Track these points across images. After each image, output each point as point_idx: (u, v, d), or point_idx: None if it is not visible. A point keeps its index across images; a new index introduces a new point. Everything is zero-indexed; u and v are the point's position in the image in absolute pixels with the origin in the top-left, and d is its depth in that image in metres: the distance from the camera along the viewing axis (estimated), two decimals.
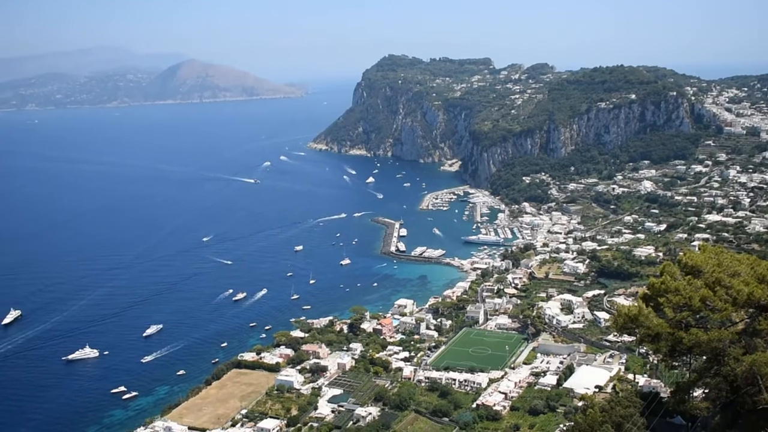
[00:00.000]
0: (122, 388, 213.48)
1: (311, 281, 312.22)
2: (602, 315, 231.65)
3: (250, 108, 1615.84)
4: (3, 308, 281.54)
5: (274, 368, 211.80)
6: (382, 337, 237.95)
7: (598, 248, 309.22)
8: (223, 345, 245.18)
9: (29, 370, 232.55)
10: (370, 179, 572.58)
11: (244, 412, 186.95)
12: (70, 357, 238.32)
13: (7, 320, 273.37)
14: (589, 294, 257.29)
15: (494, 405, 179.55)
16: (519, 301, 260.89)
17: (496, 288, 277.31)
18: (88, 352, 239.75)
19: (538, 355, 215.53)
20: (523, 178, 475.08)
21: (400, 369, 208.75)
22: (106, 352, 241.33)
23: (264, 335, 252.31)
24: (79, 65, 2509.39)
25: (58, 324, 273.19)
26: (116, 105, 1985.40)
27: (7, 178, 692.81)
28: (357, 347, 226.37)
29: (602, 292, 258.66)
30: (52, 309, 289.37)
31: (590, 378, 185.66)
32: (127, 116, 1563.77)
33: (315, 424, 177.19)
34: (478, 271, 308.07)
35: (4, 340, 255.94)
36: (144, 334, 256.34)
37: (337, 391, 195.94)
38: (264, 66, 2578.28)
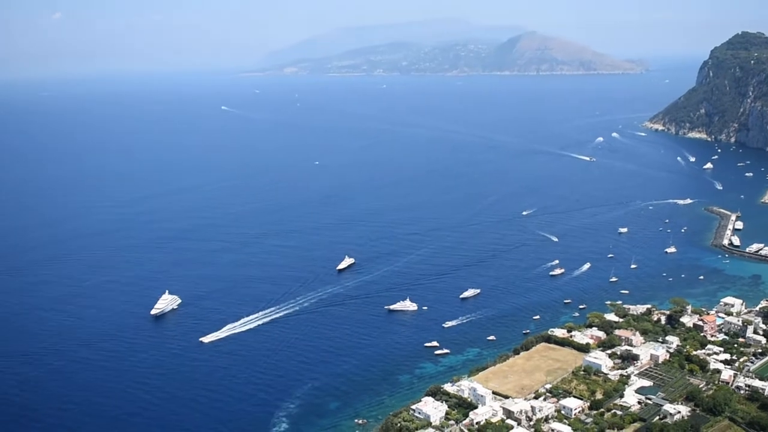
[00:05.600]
0: (435, 343, 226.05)
1: (633, 265, 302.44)
2: None
3: (587, 83, 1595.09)
4: (339, 255, 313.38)
5: (584, 348, 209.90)
6: (702, 334, 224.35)
7: None
8: (535, 317, 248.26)
9: (355, 313, 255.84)
10: (708, 165, 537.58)
11: (548, 386, 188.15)
12: (391, 307, 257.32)
13: (341, 266, 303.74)
14: None
15: None
16: None
17: None
18: (408, 305, 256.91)
19: None
20: None
21: (718, 371, 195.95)
22: (424, 307, 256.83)
23: (577, 314, 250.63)
24: (424, 35, 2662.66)
25: (384, 275, 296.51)
26: (456, 74, 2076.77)
27: (360, 137, 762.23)
28: (673, 341, 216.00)
29: None
30: (380, 261, 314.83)
31: None
32: (469, 85, 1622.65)
33: (619, 412, 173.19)
34: None
35: (337, 284, 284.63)
36: (461, 296, 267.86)
37: (647, 383, 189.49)
38: (601, 41, 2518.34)
